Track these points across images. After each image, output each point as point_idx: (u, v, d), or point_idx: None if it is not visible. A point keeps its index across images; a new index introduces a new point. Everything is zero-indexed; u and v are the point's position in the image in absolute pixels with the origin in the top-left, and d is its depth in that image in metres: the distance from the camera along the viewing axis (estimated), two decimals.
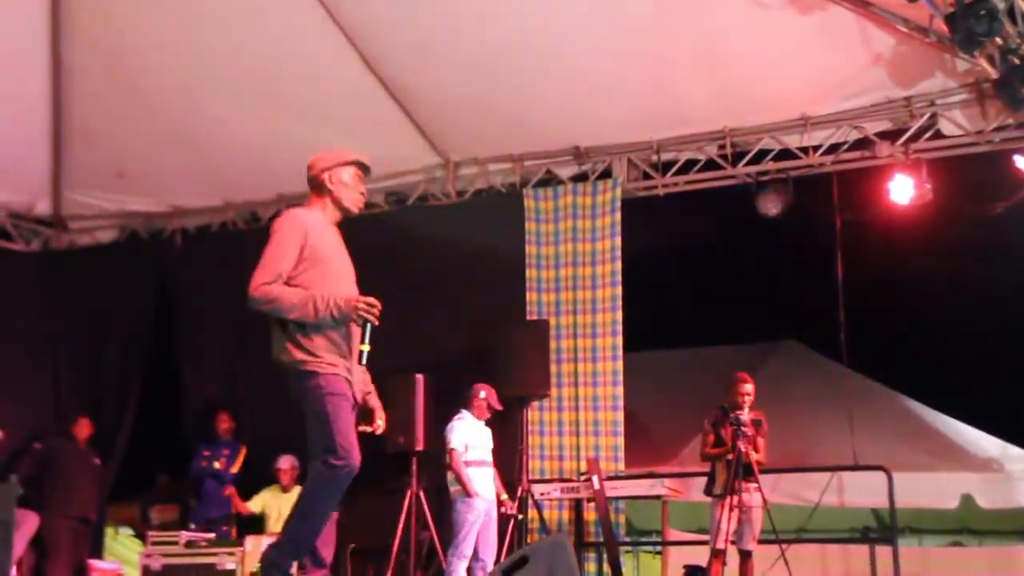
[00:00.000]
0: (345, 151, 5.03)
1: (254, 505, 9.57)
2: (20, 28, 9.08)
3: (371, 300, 4.63)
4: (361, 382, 4.85)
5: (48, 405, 10.91)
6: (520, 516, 8.43)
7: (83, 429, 10.16)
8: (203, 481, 9.98)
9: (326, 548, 4.99)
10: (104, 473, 10.45)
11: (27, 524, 8.80)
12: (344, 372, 4.68)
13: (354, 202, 4.99)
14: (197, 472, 10.02)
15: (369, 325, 4.62)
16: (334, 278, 4.77)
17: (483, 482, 8.18)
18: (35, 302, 11.18)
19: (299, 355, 4.63)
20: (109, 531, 11.73)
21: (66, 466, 9.94)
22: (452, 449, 8.17)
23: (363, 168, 5.01)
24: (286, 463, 9.52)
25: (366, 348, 4.66)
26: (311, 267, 4.69)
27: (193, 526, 9.54)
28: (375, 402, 4.98)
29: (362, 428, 4.90)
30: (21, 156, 10.48)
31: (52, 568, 9.57)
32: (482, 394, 8.34)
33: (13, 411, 10.03)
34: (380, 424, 4.99)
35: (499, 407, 8.42)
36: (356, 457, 4.60)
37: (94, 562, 9.81)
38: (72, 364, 11.15)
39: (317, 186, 4.96)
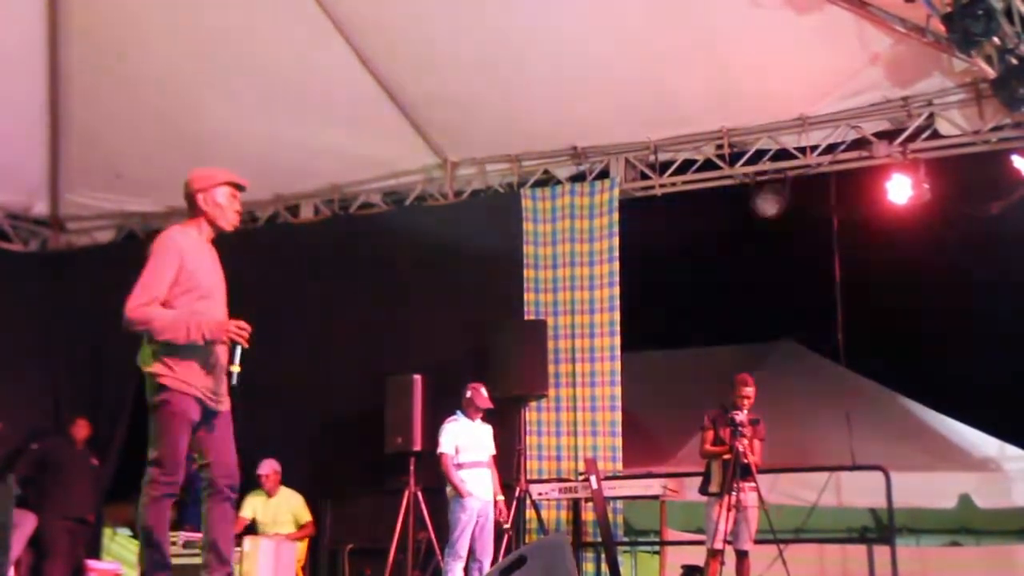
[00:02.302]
0: (219, 171, 5.20)
1: (245, 512, 9.52)
2: (18, 29, 9.08)
3: (241, 323, 4.83)
4: (220, 384, 5.00)
5: (46, 406, 10.89)
6: (507, 526, 8.40)
7: (81, 430, 10.14)
8: (197, 481, 9.94)
9: (229, 546, 5.08)
10: (102, 474, 10.44)
11: (25, 525, 8.79)
12: (195, 391, 4.86)
13: (228, 221, 5.14)
14: (189, 474, 9.98)
15: (239, 347, 4.82)
16: (207, 300, 4.94)
17: (477, 483, 8.17)
18: (33, 303, 11.16)
19: (157, 367, 4.84)
20: (107, 531, 11.72)
21: (64, 467, 9.92)
22: (442, 453, 8.16)
23: (238, 187, 5.17)
24: (267, 468, 9.44)
25: (236, 369, 4.86)
26: (185, 291, 4.88)
27: (188, 526, 9.52)
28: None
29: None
30: (19, 157, 10.48)
31: (50, 568, 9.55)
32: (468, 393, 8.34)
33: (11, 412, 10.00)
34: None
35: (486, 405, 8.38)
36: (180, 475, 4.93)
37: (92, 562, 9.79)
38: (70, 365, 11.13)
39: (193, 206, 5.16)
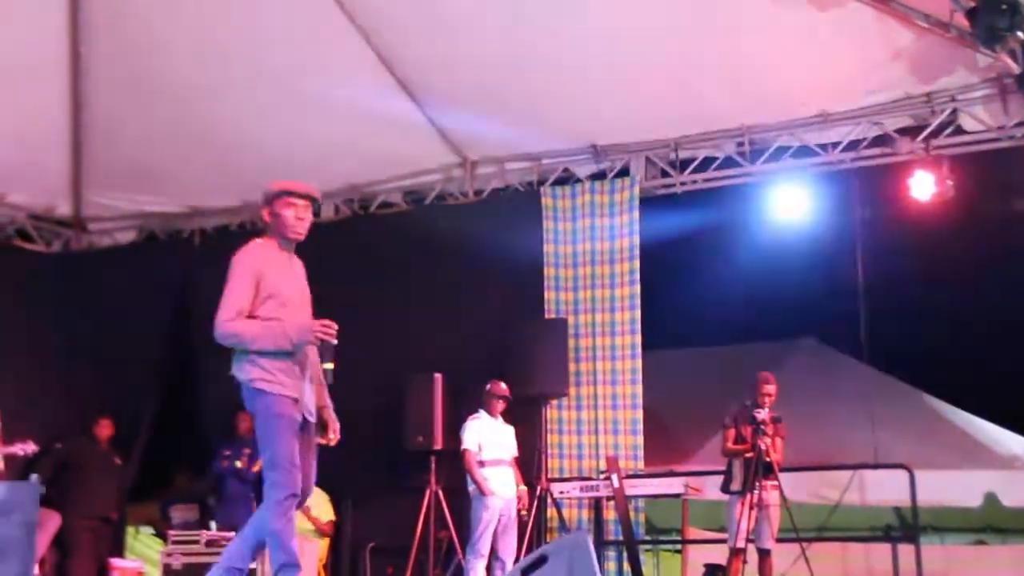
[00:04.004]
0: (278, 183, 5.23)
1: None
2: (39, 29, 9.11)
3: (326, 322, 4.95)
4: (317, 397, 5.18)
5: (69, 405, 10.92)
6: (524, 512, 8.41)
7: (104, 429, 10.21)
8: (225, 480, 10.00)
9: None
10: (125, 473, 10.49)
11: (49, 524, 8.83)
12: (292, 393, 4.95)
13: (291, 230, 5.20)
14: (218, 472, 10.04)
15: (326, 345, 4.96)
16: (288, 308, 5.05)
17: (500, 481, 8.18)
18: (55, 303, 11.22)
19: (253, 372, 4.96)
20: (130, 530, 11.77)
21: (87, 466, 9.99)
22: (465, 449, 8.20)
23: (295, 195, 5.19)
24: None
25: (330, 367, 5.01)
26: (267, 300, 5.01)
27: (215, 525, 9.56)
28: (329, 415, 5.32)
29: (318, 440, 5.26)
30: (41, 158, 10.53)
31: (74, 567, 9.62)
32: (487, 387, 8.37)
33: (34, 412, 10.08)
34: (332, 437, 5.34)
35: (503, 394, 8.43)
36: (296, 476, 4.90)
37: (115, 561, 9.85)
38: (92, 365, 11.16)
39: (263, 220, 5.29)
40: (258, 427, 4.97)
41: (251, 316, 4.98)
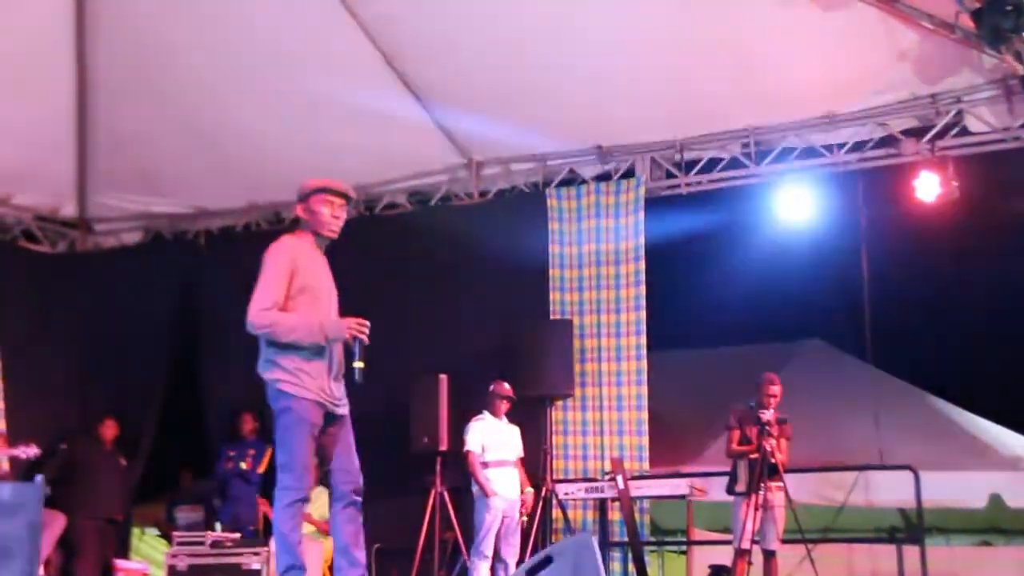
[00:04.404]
0: (316, 180, 5.29)
1: None
2: (45, 30, 9.13)
3: (361, 320, 5.00)
4: (339, 388, 5.20)
5: (74, 406, 10.96)
6: (524, 518, 8.41)
7: (109, 430, 10.22)
8: (230, 482, 10.01)
9: (359, 549, 5.14)
10: (130, 474, 10.51)
11: (54, 524, 8.84)
12: (315, 395, 5.00)
13: (327, 227, 5.26)
14: (223, 473, 10.06)
15: (359, 343, 4.99)
16: (321, 303, 5.13)
17: (503, 482, 8.18)
18: (61, 304, 11.23)
19: (277, 373, 5.01)
20: (135, 531, 11.79)
21: (92, 467, 10.00)
22: (468, 451, 8.20)
23: (332, 192, 5.26)
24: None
25: (360, 365, 5.02)
26: (299, 294, 5.06)
27: (220, 526, 9.57)
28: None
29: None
30: (47, 159, 10.54)
31: (79, 568, 9.63)
32: (491, 387, 8.38)
33: (39, 412, 10.10)
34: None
35: (507, 393, 8.45)
36: (308, 480, 4.98)
37: (121, 562, 9.86)
38: (97, 365, 11.19)
39: (299, 216, 5.34)
40: (277, 427, 5.01)
41: (283, 310, 5.01)
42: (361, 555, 5.16)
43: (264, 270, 5.06)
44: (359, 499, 5.20)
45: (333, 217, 5.23)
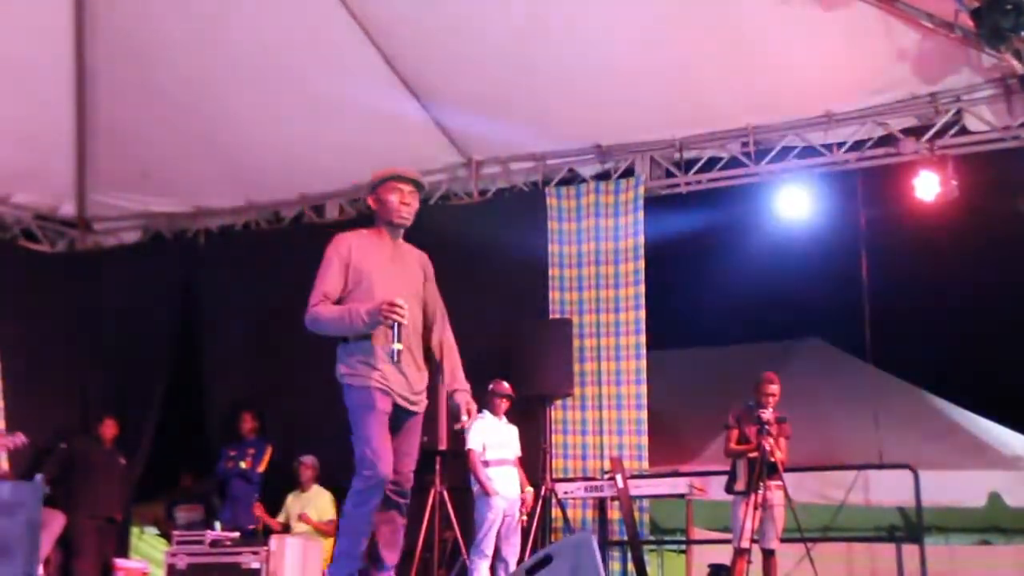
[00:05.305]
0: (384, 169, 5.31)
1: (281, 517, 9.63)
2: (44, 30, 9.13)
3: (392, 300, 4.83)
4: (448, 381, 5.23)
5: (73, 405, 10.97)
6: (523, 517, 8.41)
7: (108, 429, 10.23)
8: (229, 481, 10.02)
9: (390, 551, 5.14)
10: (129, 473, 10.51)
11: (54, 524, 8.85)
12: (377, 383, 4.91)
13: (396, 214, 5.23)
14: (223, 472, 10.07)
15: (397, 325, 4.84)
16: (381, 294, 4.95)
17: (503, 481, 8.18)
18: (60, 303, 11.23)
19: (341, 368, 4.99)
20: (135, 530, 11.79)
21: (92, 466, 10.00)
22: (469, 449, 8.19)
23: (401, 180, 5.27)
24: (309, 460, 9.62)
25: (398, 347, 4.88)
26: (357, 286, 5.04)
27: (220, 526, 9.57)
28: (462, 398, 5.22)
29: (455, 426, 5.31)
30: (46, 158, 10.55)
31: (79, 567, 9.63)
32: (490, 387, 8.37)
33: (39, 412, 10.10)
34: (464, 419, 5.23)
35: (506, 392, 8.41)
36: (384, 467, 4.82)
37: (120, 561, 9.86)
38: (97, 365, 11.20)
39: (371, 208, 5.31)
40: (350, 420, 4.95)
41: (339, 303, 4.99)
42: (390, 556, 5.09)
43: (320, 264, 5.09)
44: (399, 500, 5.12)
45: (402, 204, 5.21)
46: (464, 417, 5.16)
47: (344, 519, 4.97)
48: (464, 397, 5.19)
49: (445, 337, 5.43)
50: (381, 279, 5.06)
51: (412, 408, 5.08)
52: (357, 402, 4.91)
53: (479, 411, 8.40)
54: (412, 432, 5.15)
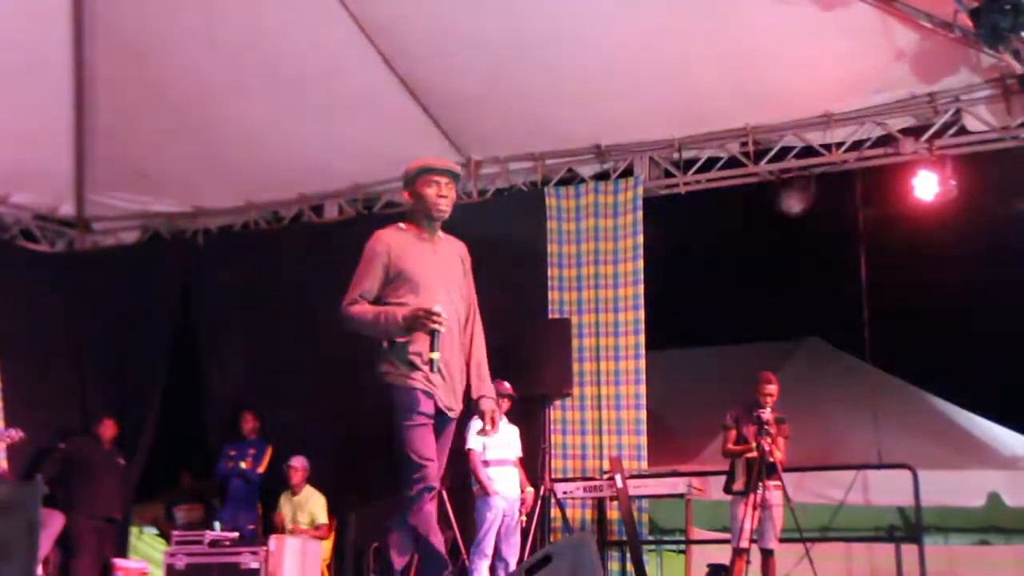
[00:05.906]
0: (417, 162, 5.11)
1: (278, 518, 9.63)
2: (43, 30, 9.13)
3: (429, 308, 4.70)
4: (474, 388, 5.06)
5: (73, 405, 10.96)
6: (524, 517, 8.40)
7: (108, 429, 10.22)
8: (229, 481, 10.01)
9: (400, 556, 5.05)
10: (129, 473, 10.51)
11: (53, 524, 8.84)
12: (421, 385, 4.79)
13: (434, 207, 5.06)
14: (223, 473, 10.06)
15: (436, 333, 4.72)
16: (425, 291, 4.88)
17: (503, 481, 8.18)
18: (59, 303, 11.24)
19: (383, 367, 4.84)
20: (134, 530, 11.79)
21: (91, 466, 10.00)
22: (470, 449, 8.19)
23: (435, 172, 5.07)
24: (298, 463, 9.55)
25: (435, 356, 4.75)
26: (399, 285, 4.88)
27: (219, 526, 9.56)
28: (487, 404, 5.10)
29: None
30: (45, 158, 10.54)
31: (78, 567, 9.63)
32: None
33: (38, 412, 10.09)
34: (489, 429, 5.09)
35: (506, 391, 8.33)
36: (426, 470, 4.74)
37: (119, 561, 9.86)
38: (96, 365, 11.20)
39: (407, 203, 5.17)
40: (392, 422, 4.86)
41: (382, 301, 4.85)
42: (399, 561, 5.04)
43: (359, 263, 4.96)
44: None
45: (439, 197, 5.05)
46: (488, 427, 5.04)
47: (413, 531, 4.85)
48: (489, 405, 5.06)
49: (475, 334, 5.29)
50: (423, 277, 4.93)
51: (450, 414, 4.95)
52: (399, 404, 4.79)
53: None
54: (446, 438, 5.03)
